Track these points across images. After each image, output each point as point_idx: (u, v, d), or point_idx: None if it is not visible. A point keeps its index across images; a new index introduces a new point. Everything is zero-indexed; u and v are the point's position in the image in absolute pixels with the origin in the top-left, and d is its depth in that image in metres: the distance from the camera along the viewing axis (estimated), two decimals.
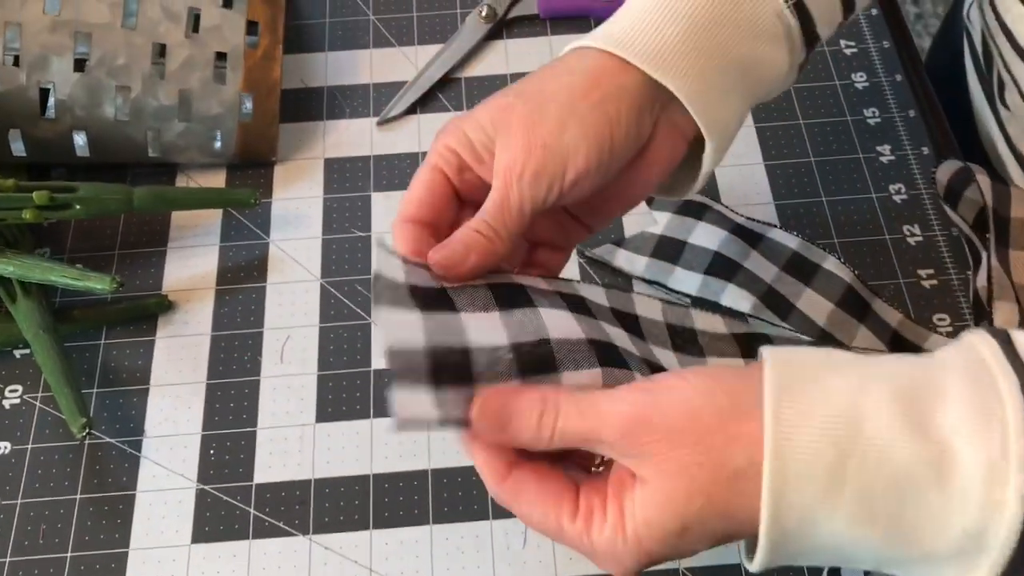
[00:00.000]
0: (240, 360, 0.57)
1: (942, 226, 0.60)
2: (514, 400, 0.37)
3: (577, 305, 0.41)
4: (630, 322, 0.43)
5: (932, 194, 0.61)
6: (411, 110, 0.67)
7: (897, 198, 0.61)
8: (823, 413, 0.33)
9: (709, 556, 0.50)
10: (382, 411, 0.55)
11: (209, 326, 0.58)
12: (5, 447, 0.54)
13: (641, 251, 0.58)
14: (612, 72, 0.41)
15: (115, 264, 0.61)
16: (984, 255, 0.56)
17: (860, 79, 0.67)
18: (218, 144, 0.63)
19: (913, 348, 0.54)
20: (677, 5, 0.42)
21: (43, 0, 0.58)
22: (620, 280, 0.58)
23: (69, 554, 0.51)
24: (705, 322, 0.47)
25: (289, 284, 0.60)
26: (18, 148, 0.61)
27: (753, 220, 0.58)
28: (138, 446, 0.54)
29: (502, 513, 0.51)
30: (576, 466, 0.39)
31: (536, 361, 0.38)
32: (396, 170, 0.64)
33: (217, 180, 0.64)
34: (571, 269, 0.59)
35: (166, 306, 0.59)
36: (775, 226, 0.58)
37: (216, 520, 0.52)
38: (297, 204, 0.63)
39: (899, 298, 0.57)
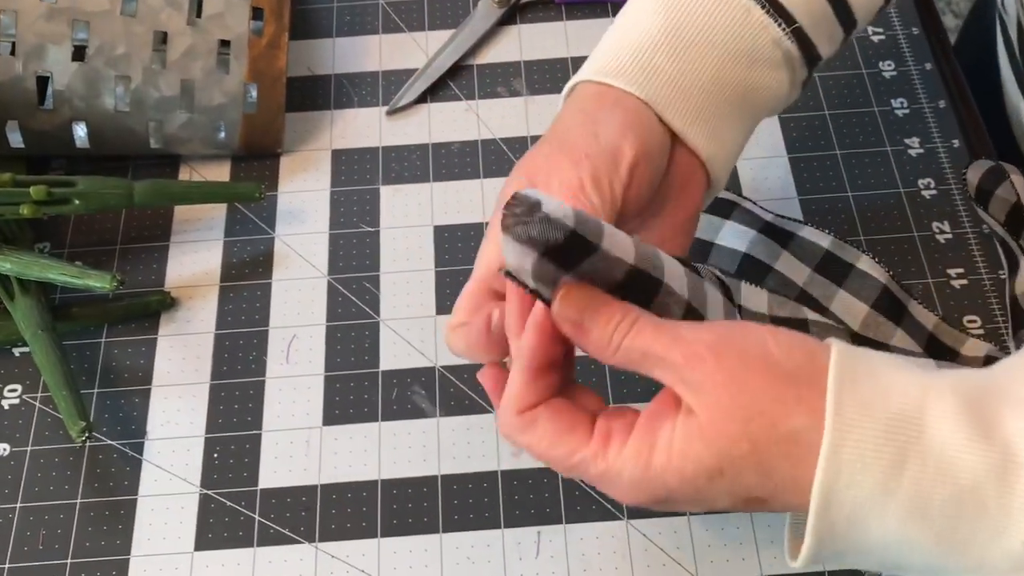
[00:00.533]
0: (244, 360, 0.55)
1: (973, 223, 0.58)
2: (599, 300, 0.36)
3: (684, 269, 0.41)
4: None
5: (963, 189, 0.58)
6: (422, 99, 0.64)
7: (926, 193, 0.59)
8: (886, 410, 0.32)
9: (727, 567, 0.48)
10: (391, 414, 0.53)
11: (213, 324, 0.57)
12: (4, 449, 0.53)
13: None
14: (617, 93, 0.42)
15: (116, 259, 0.59)
16: (1023, 259, 0.53)
17: (888, 68, 0.64)
18: (222, 135, 0.61)
19: (950, 352, 0.52)
20: (673, 35, 0.42)
21: None
22: None
23: (69, 560, 0.50)
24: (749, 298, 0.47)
25: (295, 281, 0.58)
26: (16, 140, 0.60)
27: (783, 217, 0.56)
28: (140, 449, 0.53)
29: (514, 521, 0.50)
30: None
31: (640, 290, 0.37)
32: (406, 162, 0.62)
33: (221, 172, 0.62)
34: None
35: (168, 303, 0.57)
36: (806, 223, 0.56)
37: (220, 527, 0.50)
38: (303, 197, 0.61)
39: (928, 298, 0.55)
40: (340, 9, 0.69)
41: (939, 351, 0.52)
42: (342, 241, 0.59)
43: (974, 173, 0.56)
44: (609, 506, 0.50)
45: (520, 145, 0.62)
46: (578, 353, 0.38)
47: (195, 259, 0.59)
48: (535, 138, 0.62)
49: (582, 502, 0.50)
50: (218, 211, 0.60)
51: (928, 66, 0.64)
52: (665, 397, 0.36)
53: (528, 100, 0.64)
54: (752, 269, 0.53)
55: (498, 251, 0.37)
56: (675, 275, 0.39)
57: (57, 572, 0.49)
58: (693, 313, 0.39)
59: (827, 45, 0.45)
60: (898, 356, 0.35)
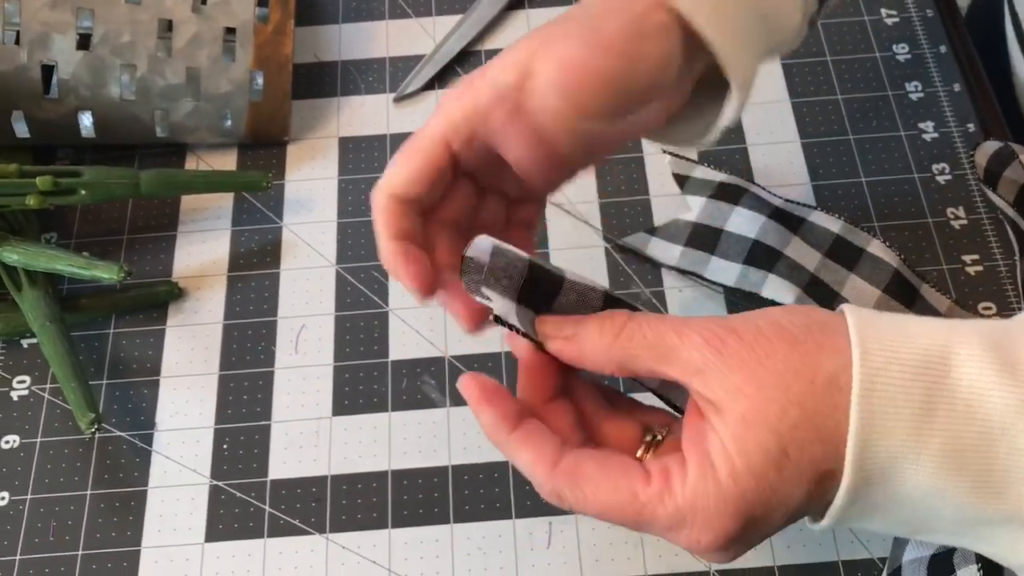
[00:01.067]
0: (253, 350, 0.55)
1: (988, 209, 0.57)
2: (575, 316, 0.35)
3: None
4: None
5: (977, 174, 0.58)
6: (429, 85, 0.64)
7: (941, 179, 0.58)
8: (911, 353, 0.31)
9: (740, 558, 0.48)
10: (400, 404, 0.53)
11: (221, 314, 0.56)
12: (14, 440, 0.53)
13: (675, 240, 0.55)
14: (653, 7, 0.37)
15: (123, 249, 0.59)
16: None
17: (902, 51, 0.63)
18: (228, 123, 0.60)
19: None
20: None
21: None
22: (651, 272, 0.56)
23: (80, 552, 0.50)
24: None
25: (303, 270, 0.57)
26: (21, 130, 0.59)
27: (792, 202, 0.56)
28: (149, 440, 0.53)
29: (526, 511, 0.49)
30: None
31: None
32: None
33: (228, 160, 0.62)
34: (599, 260, 0.57)
35: (176, 294, 0.57)
36: (816, 208, 0.55)
37: (230, 518, 0.50)
38: (311, 186, 0.60)
39: (943, 284, 0.54)
40: None
41: None
42: (350, 230, 0.59)
43: (982, 155, 0.55)
44: None
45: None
46: None
47: (202, 249, 0.58)
48: None
49: None
50: (225, 200, 0.60)
51: (943, 49, 0.63)
52: (692, 413, 0.34)
53: None
54: (762, 255, 0.52)
55: (431, 157, 0.37)
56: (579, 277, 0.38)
57: (68, 564, 0.49)
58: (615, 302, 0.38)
59: None
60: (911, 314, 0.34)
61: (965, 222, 0.57)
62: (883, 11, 0.65)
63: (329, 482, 0.51)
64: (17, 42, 0.56)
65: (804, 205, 0.55)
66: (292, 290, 0.57)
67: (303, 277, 0.57)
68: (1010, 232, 0.55)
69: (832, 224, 0.54)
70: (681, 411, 0.36)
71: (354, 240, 0.58)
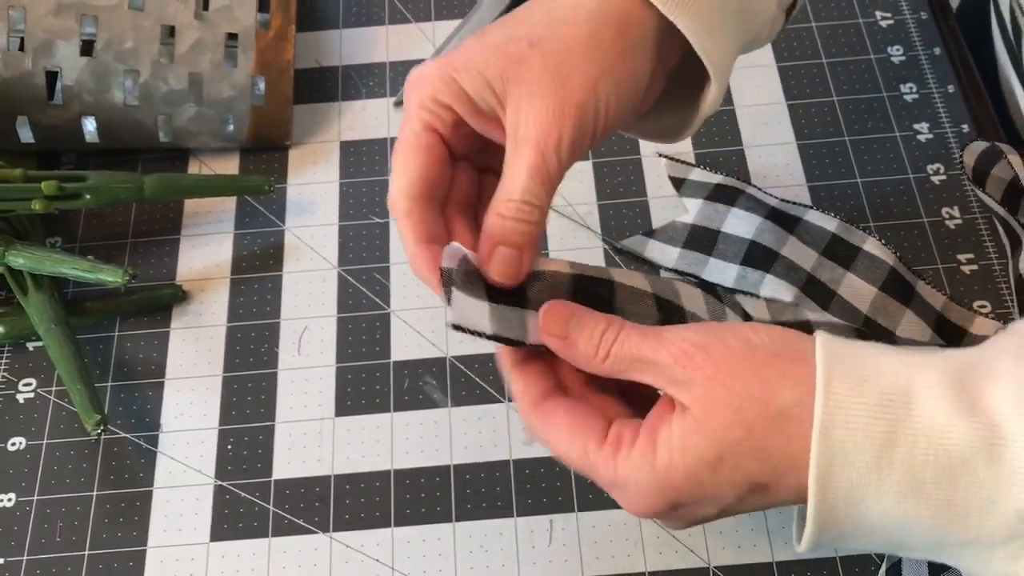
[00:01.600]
0: (257, 352, 0.56)
1: (982, 208, 0.58)
2: (581, 312, 0.37)
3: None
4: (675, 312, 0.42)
5: (966, 174, 0.58)
6: None
7: (935, 179, 0.59)
8: (874, 390, 0.33)
9: (738, 553, 0.48)
10: (402, 404, 0.54)
11: (224, 317, 0.57)
12: (20, 442, 0.53)
13: (673, 242, 0.56)
14: (633, 15, 0.37)
15: (128, 253, 0.59)
16: None
17: (896, 53, 0.64)
18: (230, 128, 0.61)
19: (959, 331, 0.52)
20: None
21: None
22: (650, 270, 0.56)
23: (87, 552, 0.50)
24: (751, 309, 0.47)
25: (306, 273, 0.58)
26: (26, 135, 0.60)
27: (788, 202, 0.56)
28: (154, 441, 0.53)
29: (526, 510, 0.50)
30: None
31: (594, 295, 0.38)
32: None
33: (230, 164, 0.62)
34: (597, 261, 0.57)
35: (180, 296, 0.57)
36: (811, 207, 0.56)
37: (235, 517, 0.51)
38: (313, 189, 0.61)
39: (938, 284, 0.55)
40: (347, 0, 0.69)
41: (948, 331, 0.52)
42: (352, 233, 0.59)
43: (970, 154, 0.56)
44: None
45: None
46: None
47: (206, 252, 0.59)
48: None
49: (594, 490, 0.50)
50: (228, 204, 0.61)
51: (937, 51, 0.64)
52: (663, 402, 0.36)
53: None
54: (759, 256, 0.53)
55: (427, 146, 0.38)
56: (628, 275, 0.39)
57: (75, 564, 0.50)
58: (665, 305, 0.39)
59: None
60: (882, 344, 0.36)
61: (960, 222, 0.57)
62: (878, 14, 0.66)
63: (332, 482, 0.52)
64: (22, 48, 0.57)
65: (800, 205, 0.56)
66: (295, 292, 0.57)
67: (305, 279, 0.58)
68: (1000, 230, 0.56)
69: (828, 223, 0.55)
70: None
71: (356, 243, 0.59)
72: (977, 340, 0.52)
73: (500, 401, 0.53)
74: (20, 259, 0.54)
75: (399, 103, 0.64)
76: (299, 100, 0.64)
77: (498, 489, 0.51)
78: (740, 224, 0.54)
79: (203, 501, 0.51)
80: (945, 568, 0.41)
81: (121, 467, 0.53)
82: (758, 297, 0.52)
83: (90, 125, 0.61)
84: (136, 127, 0.60)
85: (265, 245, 0.59)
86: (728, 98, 0.63)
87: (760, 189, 0.57)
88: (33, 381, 0.55)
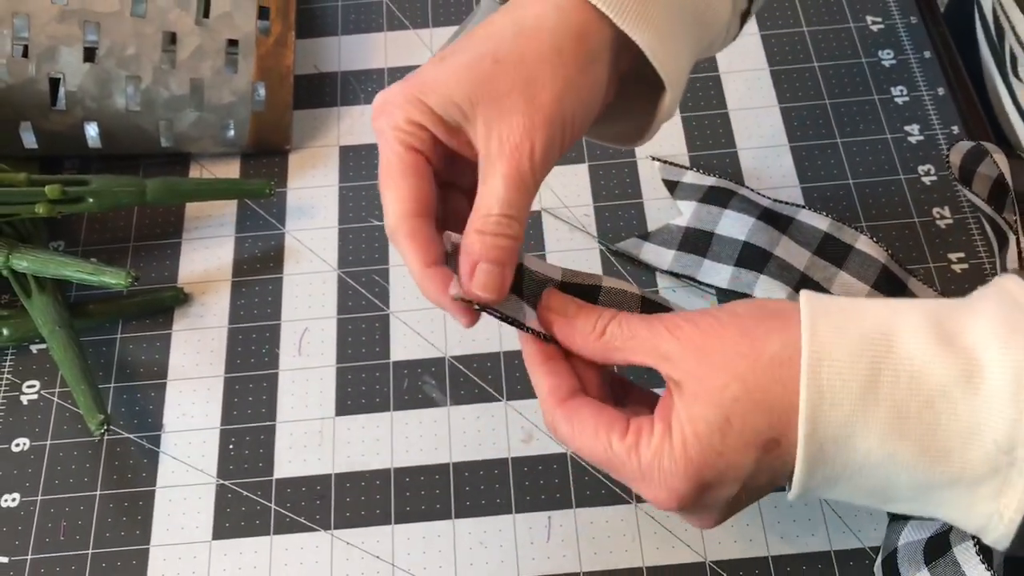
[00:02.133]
0: (258, 353, 0.56)
1: (972, 208, 0.58)
2: (581, 301, 0.39)
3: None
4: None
5: (953, 174, 0.59)
6: None
7: (926, 179, 0.60)
8: (857, 331, 0.34)
9: (735, 548, 0.49)
10: (402, 404, 0.54)
11: (226, 318, 0.58)
12: (24, 443, 0.54)
13: (668, 244, 0.56)
14: (591, 27, 0.38)
15: (130, 256, 0.60)
16: (1013, 238, 0.54)
17: (887, 56, 0.65)
18: (231, 133, 0.62)
19: None
20: None
21: None
22: (645, 274, 0.57)
23: (90, 551, 0.51)
24: None
25: (306, 275, 0.59)
26: (29, 141, 0.61)
27: (780, 202, 0.57)
28: (156, 441, 0.54)
29: (525, 506, 0.51)
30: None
31: (580, 296, 0.40)
32: None
33: (231, 169, 0.63)
34: (594, 263, 0.58)
35: (182, 299, 0.58)
36: (803, 207, 0.57)
37: (237, 516, 0.51)
38: (312, 193, 0.62)
39: (929, 283, 0.56)
40: (345, 7, 0.70)
41: None
42: (351, 235, 0.60)
43: (956, 154, 0.57)
44: (618, 490, 0.51)
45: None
46: None
47: (207, 255, 0.60)
48: None
49: (592, 487, 0.51)
50: (229, 208, 0.61)
51: (927, 54, 0.65)
52: (668, 390, 0.37)
53: None
54: (753, 257, 0.54)
55: (414, 167, 0.38)
56: (618, 283, 0.41)
57: (79, 563, 0.50)
58: (652, 304, 0.41)
59: None
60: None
61: (951, 221, 0.58)
62: (868, 18, 0.67)
63: (333, 480, 0.52)
64: (25, 55, 0.58)
65: (792, 204, 0.57)
66: (295, 294, 0.58)
67: (306, 281, 0.59)
68: (987, 228, 0.57)
69: (820, 222, 0.55)
70: None
71: (355, 245, 0.60)
72: None
73: (498, 400, 0.54)
74: (24, 262, 0.55)
75: None
76: (299, 105, 0.65)
77: (497, 486, 0.51)
78: (733, 225, 0.55)
79: (205, 500, 0.52)
80: (941, 554, 0.42)
81: (124, 467, 0.53)
82: (752, 297, 0.53)
83: (92, 131, 0.61)
84: (138, 132, 0.61)
85: (266, 248, 0.60)
86: (722, 100, 0.64)
87: (753, 190, 0.58)
88: (37, 383, 0.56)
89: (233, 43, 0.60)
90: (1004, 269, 0.54)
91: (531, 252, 0.58)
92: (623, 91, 0.42)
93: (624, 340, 0.37)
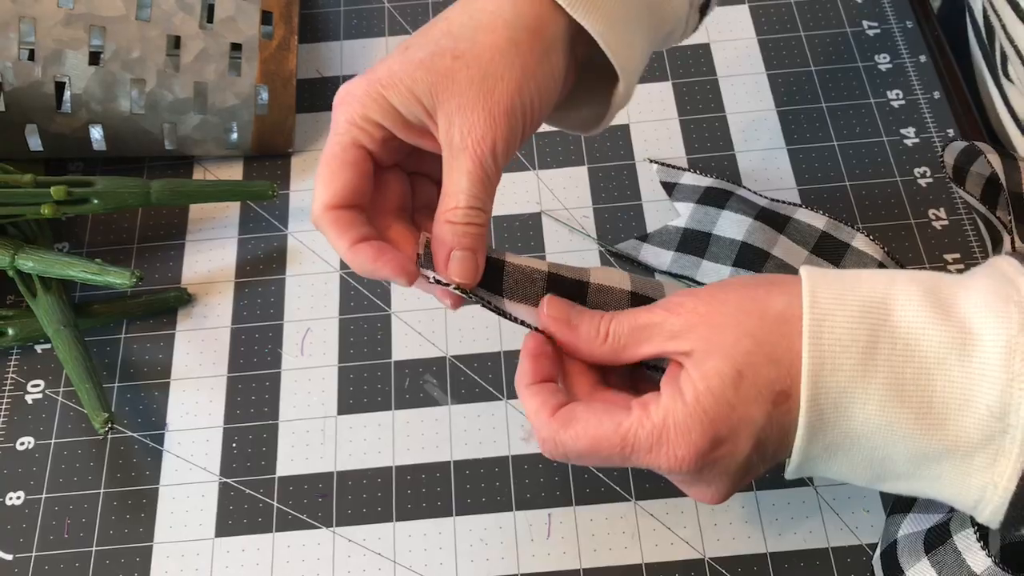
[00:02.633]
0: (260, 353, 0.57)
1: (967, 209, 0.59)
2: (579, 307, 0.40)
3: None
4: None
5: (947, 173, 0.60)
6: None
7: (922, 181, 0.60)
8: (856, 299, 0.35)
9: (733, 545, 0.49)
10: (403, 402, 0.55)
11: (229, 319, 0.58)
12: (29, 442, 0.55)
13: (666, 245, 0.57)
14: (546, 18, 0.39)
15: (134, 258, 0.61)
16: (1007, 237, 0.55)
17: (883, 60, 0.66)
18: (234, 136, 0.63)
19: None
20: None
21: None
22: (644, 271, 0.58)
23: (94, 548, 0.51)
24: None
25: (308, 276, 0.59)
26: (35, 143, 0.61)
27: (777, 201, 0.58)
28: (160, 440, 0.54)
29: (526, 504, 0.51)
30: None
31: (568, 293, 0.41)
32: None
33: (234, 172, 0.64)
34: (593, 265, 0.59)
35: (185, 299, 0.59)
36: (800, 206, 0.57)
37: (239, 513, 0.52)
38: None
39: None
40: (347, 13, 0.70)
41: None
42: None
43: (950, 154, 0.58)
44: (618, 488, 0.51)
45: (527, 142, 0.63)
46: None
47: (210, 256, 0.60)
48: (542, 135, 0.64)
49: (591, 484, 0.52)
50: (232, 209, 0.62)
51: (923, 58, 0.65)
52: (672, 365, 0.38)
53: None
54: (751, 257, 0.54)
55: (352, 162, 0.39)
56: (604, 275, 0.42)
57: (83, 560, 0.51)
58: (641, 300, 0.41)
59: None
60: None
61: (946, 222, 0.59)
62: (864, 23, 0.67)
63: (335, 478, 0.53)
64: (32, 59, 0.59)
65: (789, 203, 0.58)
66: (297, 295, 0.59)
67: (308, 282, 0.59)
68: (982, 226, 0.57)
69: (816, 221, 0.56)
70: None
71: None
72: None
73: (499, 399, 0.54)
74: (29, 262, 0.55)
75: None
76: (301, 109, 0.65)
77: (497, 484, 0.52)
78: (731, 226, 0.56)
79: (208, 498, 0.52)
80: (941, 543, 0.42)
81: (128, 465, 0.54)
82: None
83: (97, 133, 0.62)
84: (142, 135, 0.61)
85: (268, 249, 0.61)
86: (720, 104, 0.64)
87: (750, 190, 0.59)
88: (41, 382, 0.56)
89: (236, 47, 0.61)
90: None
91: (531, 254, 0.59)
92: (583, 79, 0.43)
93: (630, 334, 0.38)
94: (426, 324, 0.57)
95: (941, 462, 0.35)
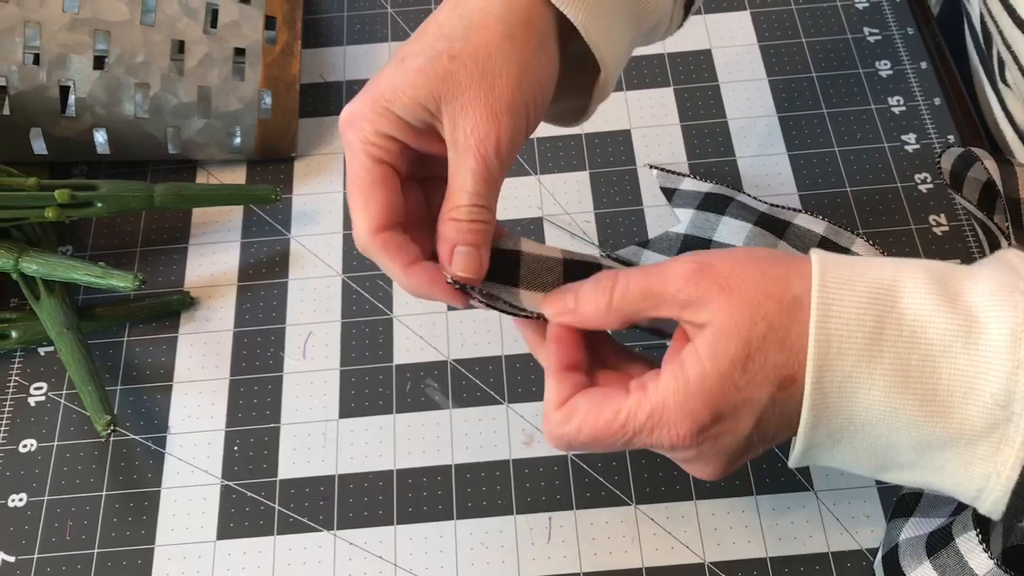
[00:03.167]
0: (263, 356, 0.57)
1: (968, 215, 0.59)
2: (576, 284, 0.40)
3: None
4: None
5: (944, 179, 0.60)
6: None
7: (923, 187, 0.61)
8: (864, 285, 0.35)
9: (733, 549, 0.49)
10: (405, 406, 0.55)
11: (231, 322, 0.58)
12: (31, 444, 0.55)
13: (666, 252, 0.57)
14: (535, 10, 0.39)
15: (137, 261, 0.61)
16: (1005, 243, 0.55)
17: (884, 67, 0.66)
18: (237, 140, 0.63)
19: None
20: None
21: None
22: None
23: (96, 551, 0.51)
24: None
25: (311, 280, 0.60)
26: (39, 147, 0.62)
27: (777, 207, 0.58)
28: (162, 443, 0.54)
29: (526, 507, 0.51)
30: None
31: (584, 276, 0.41)
32: None
33: (237, 176, 0.64)
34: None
35: (188, 303, 0.59)
36: (800, 211, 0.57)
37: (241, 516, 0.52)
38: (317, 199, 0.63)
39: None
40: (350, 18, 0.71)
41: None
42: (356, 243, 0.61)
43: (947, 159, 0.58)
44: (618, 492, 0.51)
45: (528, 147, 0.64)
46: None
47: (213, 260, 0.61)
48: (544, 139, 0.64)
49: (592, 488, 0.52)
50: (235, 213, 0.62)
51: (923, 65, 0.66)
52: (677, 335, 0.38)
53: None
54: None
55: (383, 180, 0.39)
56: (610, 261, 0.42)
57: (84, 562, 0.51)
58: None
59: None
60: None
61: (947, 228, 0.59)
62: (866, 29, 0.68)
63: (336, 481, 0.53)
64: (36, 63, 0.59)
65: (789, 208, 0.58)
66: (300, 299, 0.59)
67: (310, 286, 0.59)
68: (979, 232, 0.57)
69: (816, 226, 0.56)
70: (670, 336, 0.41)
71: (359, 251, 0.60)
72: None
73: (500, 403, 0.55)
74: (33, 265, 0.55)
75: None
76: (304, 113, 0.66)
77: (498, 488, 0.52)
78: (731, 232, 0.56)
79: (210, 500, 0.53)
80: (943, 546, 0.42)
81: (130, 468, 0.54)
82: None
83: (101, 137, 0.62)
84: (146, 139, 0.62)
85: (271, 253, 0.61)
86: (721, 110, 0.65)
87: (749, 196, 0.59)
88: (44, 385, 0.57)
89: (240, 52, 0.61)
90: None
91: None
92: (567, 72, 0.43)
93: (639, 300, 0.38)
94: (427, 328, 0.57)
95: (945, 450, 0.35)
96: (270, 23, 0.62)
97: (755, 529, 0.50)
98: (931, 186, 0.61)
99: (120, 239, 0.62)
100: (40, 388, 0.57)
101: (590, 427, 0.38)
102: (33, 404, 0.56)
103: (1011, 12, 0.53)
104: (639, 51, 0.61)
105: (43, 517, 0.52)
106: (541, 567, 0.50)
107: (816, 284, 0.36)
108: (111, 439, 0.54)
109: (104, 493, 0.53)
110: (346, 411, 0.55)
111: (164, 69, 0.60)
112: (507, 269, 0.41)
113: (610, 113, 0.65)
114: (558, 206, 0.61)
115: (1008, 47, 0.55)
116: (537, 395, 0.55)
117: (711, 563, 0.49)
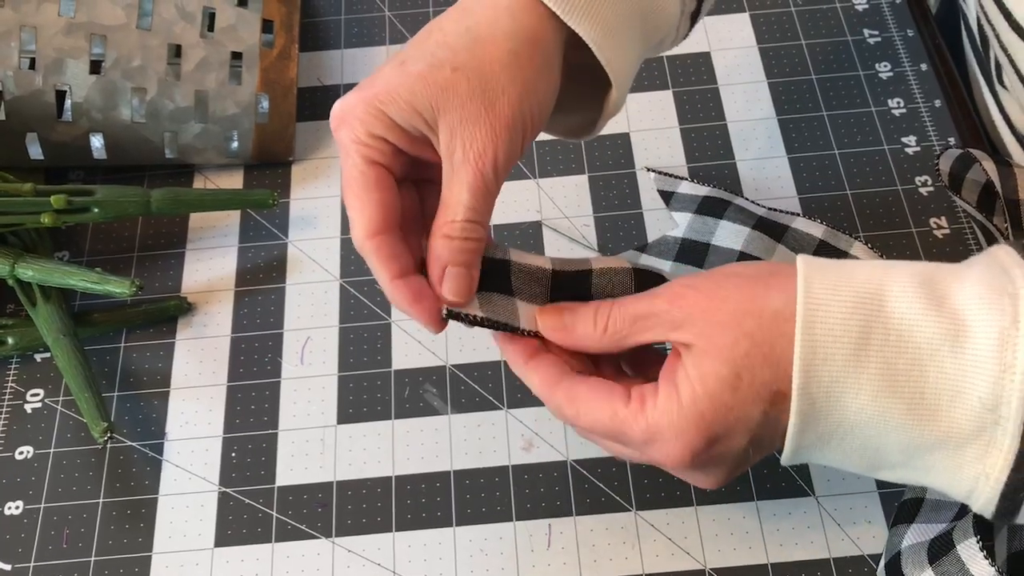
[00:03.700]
0: (260, 362, 0.57)
1: (969, 218, 0.59)
2: (572, 305, 0.40)
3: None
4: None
5: (943, 181, 0.60)
6: None
7: (923, 190, 0.60)
8: (850, 290, 0.35)
9: (734, 555, 0.49)
10: (403, 412, 0.55)
11: (229, 328, 0.58)
12: (27, 451, 0.54)
13: (664, 256, 0.57)
14: (543, 28, 0.39)
15: (134, 266, 0.61)
16: (1000, 239, 0.55)
17: (884, 69, 0.66)
18: (235, 145, 0.63)
19: None
20: None
21: (58, 2, 0.58)
22: None
23: (93, 558, 0.51)
24: None
25: (308, 285, 0.59)
26: (35, 152, 0.61)
27: (775, 210, 0.58)
28: (159, 449, 0.54)
29: (526, 514, 0.51)
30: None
31: (573, 288, 0.41)
32: None
33: (234, 180, 0.64)
34: None
35: (185, 308, 0.58)
36: (798, 214, 0.57)
37: (239, 523, 0.52)
38: (315, 204, 0.62)
39: None
40: (348, 21, 0.71)
41: None
42: (353, 245, 0.60)
43: (945, 161, 0.58)
44: (618, 498, 0.51)
45: (527, 150, 0.63)
46: None
47: (210, 265, 0.60)
48: (543, 143, 0.64)
49: (591, 494, 0.51)
50: (232, 218, 0.62)
51: (924, 67, 0.65)
52: (672, 354, 0.39)
53: None
54: None
55: (377, 181, 0.39)
56: (605, 261, 0.42)
57: (81, 570, 0.51)
58: (646, 276, 0.42)
59: None
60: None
61: (948, 231, 0.59)
62: (865, 31, 0.67)
63: (335, 488, 0.52)
64: (32, 67, 0.59)
65: (787, 212, 0.57)
66: (297, 304, 0.59)
67: (308, 291, 0.59)
68: (979, 233, 0.57)
69: (815, 229, 0.56)
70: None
71: (357, 255, 0.59)
72: None
73: (499, 408, 0.54)
74: (29, 271, 0.55)
75: None
76: (302, 117, 0.65)
77: (497, 494, 0.52)
78: (729, 236, 0.55)
79: (207, 507, 0.52)
80: (945, 553, 0.42)
81: (127, 475, 0.54)
82: None
83: (97, 142, 0.62)
84: (143, 144, 0.61)
85: (268, 258, 0.61)
86: (720, 112, 0.64)
87: (747, 199, 0.58)
88: (41, 391, 0.56)
89: (237, 56, 0.61)
90: None
91: None
92: (573, 86, 0.43)
93: (631, 324, 0.38)
94: (426, 333, 0.57)
95: (934, 453, 0.35)
96: (267, 27, 0.62)
97: (756, 535, 0.50)
98: (932, 189, 0.60)
99: (117, 244, 0.61)
100: (36, 395, 0.56)
101: (588, 418, 0.38)
102: (29, 411, 0.56)
103: (1007, 16, 0.53)
104: None
105: (39, 525, 0.52)
106: (541, 574, 0.49)
107: (801, 290, 0.36)
108: (108, 446, 0.54)
109: (101, 500, 0.53)
110: (344, 417, 0.55)
111: (161, 73, 0.59)
112: (498, 278, 0.40)
113: None
114: (557, 210, 0.61)
115: (1005, 50, 0.55)
116: (536, 400, 0.54)
117: (712, 569, 0.49)
